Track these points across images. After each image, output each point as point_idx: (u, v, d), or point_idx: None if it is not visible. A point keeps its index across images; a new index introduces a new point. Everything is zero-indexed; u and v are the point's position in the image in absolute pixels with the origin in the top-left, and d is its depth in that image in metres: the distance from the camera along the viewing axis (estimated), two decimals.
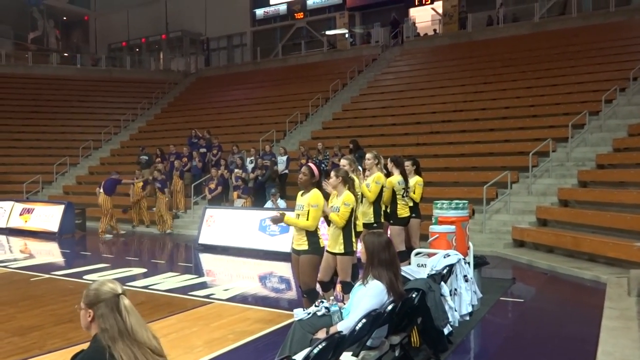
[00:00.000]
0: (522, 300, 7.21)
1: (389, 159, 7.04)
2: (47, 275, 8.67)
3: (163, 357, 2.14)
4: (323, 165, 12.77)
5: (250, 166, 14.79)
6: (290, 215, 5.29)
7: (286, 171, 14.57)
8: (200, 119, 21.64)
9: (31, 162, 20.51)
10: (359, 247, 5.31)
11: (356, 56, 23.25)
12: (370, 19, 26.55)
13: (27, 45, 31.05)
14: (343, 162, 6.24)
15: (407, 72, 20.62)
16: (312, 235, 5.13)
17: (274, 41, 29.09)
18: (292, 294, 7.69)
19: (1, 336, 5.39)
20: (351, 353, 3.42)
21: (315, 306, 3.86)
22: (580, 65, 16.29)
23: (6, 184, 19.09)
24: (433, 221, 6.26)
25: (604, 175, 11.36)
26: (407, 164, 7.20)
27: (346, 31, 26.23)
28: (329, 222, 5.32)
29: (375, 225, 6.25)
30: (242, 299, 7.10)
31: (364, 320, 3.35)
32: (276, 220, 5.22)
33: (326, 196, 5.38)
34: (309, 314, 3.78)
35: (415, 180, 7.21)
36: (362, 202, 6.24)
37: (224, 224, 11.83)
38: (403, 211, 6.85)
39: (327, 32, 26.63)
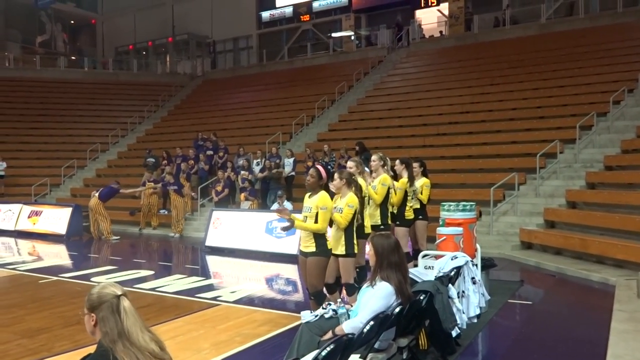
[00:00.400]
0: (530, 303, 7.17)
1: (397, 161, 7.06)
2: (55, 278, 8.70)
3: None
4: (329, 167, 12.77)
5: (257, 168, 14.81)
6: (297, 217, 5.29)
7: (293, 173, 14.58)
8: (206, 121, 21.71)
9: (39, 165, 20.62)
10: (367, 249, 5.30)
11: (362, 58, 23.24)
12: (376, 20, 26.55)
13: (35, 49, 31.25)
14: (350, 164, 6.24)
15: (413, 73, 20.59)
16: (320, 237, 5.13)
17: (280, 44, 29.13)
18: (299, 296, 7.69)
19: (10, 338, 5.42)
20: (359, 355, 3.41)
21: (323, 308, 3.85)
22: (587, 66, 16.20)
23: (15, 187, 19.22)
24: (440, 223, 6.24)
25: (612, 177, 11.29)
26: (415, 165, 7.23)
27: (352, 33, 26.24)
28: (331, 223, 5.33)
29: (382, 227, 6.26)
30: (249, 301, 7.10)
31: (371, 323, 3.33)
32: (286, 228, 5.24)
33: (331, 197, 5.40)
34: (316, 316, 3.78)
35: (422, 182, 7.24)
36: (369, 204, 6.24)
37: (231, 226, 11.85)
38: (409, 213, 6.95)
39: (333, 35, 26.65)
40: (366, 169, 6.67)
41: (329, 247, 5.22)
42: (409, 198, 6.87)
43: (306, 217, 5.16)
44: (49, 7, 30.10)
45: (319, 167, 5.36)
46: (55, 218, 14.56)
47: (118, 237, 13.84)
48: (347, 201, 5.21)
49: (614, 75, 14.95)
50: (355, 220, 5.34)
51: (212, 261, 11.00)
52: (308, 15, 28.55)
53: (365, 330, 3.28)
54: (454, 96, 16.97)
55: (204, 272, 10.04)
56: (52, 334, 5.56)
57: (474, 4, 23.59)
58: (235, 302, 6.98)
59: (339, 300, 4.94)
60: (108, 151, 22.17)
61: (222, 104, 23.63)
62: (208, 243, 11.93)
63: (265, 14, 29.90)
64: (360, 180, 5.92)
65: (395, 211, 6.78)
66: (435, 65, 20.63)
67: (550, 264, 9.08)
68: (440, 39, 23.09)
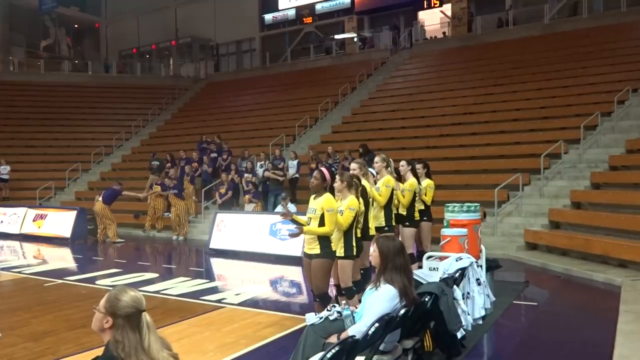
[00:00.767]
0: (535, 304, 7.15)
1: (402, 162, 7.08)
2: (60, 281, 8.71)
3: None
4: (333, 169, 12.75)
5: (260, 170, 14.81)
6: (302, 218, 5.29)
7: (297, 175, 14.58)
8: (210, 124, 21.75)
9: (44, 169, 20.67)
10: (371, 251, 5.30)
11: (365, 60, 23.23)
12: (379, 22, 26.54)
13: (39, 53, 31.37)
14: (353, 165, 6.24)
15: (416, 75, 20.58)
16: (324, 239, 5.12)
17: (283, 46, 29.16)
18: (304, 298, 7.68)
19: (16, 341, 5.43)
20: (364, 358, 3.40)
21: (328, 310, 3.85)
22: (591, 66, 16.16)
23: (19, 191, 19.30)
24: (445, 224, 6.24)
25: (617, 177, 11.25)
26: (418, 167, 7.24)
27: (355, 35, 26.25)
28: None
29: (386, 228, 6.26)
30: (253, 303, 7.10)
31: (376, 325, 3.33)
32: (295, 235, 5.24)
33: None
34: (321, 318, 3.77)
35: (426, 183, 7.25)
36: (373, 205, 6.23)
37: (235, 228, 11.85)
38: (416, 214, 7.01)
39: (336, 37, 26.67)
40: (370, 170, 6.67)
41: (334, 249, 5.22)
42: (416, 199, 6.90)
43: (310, 218, 5.16)
44: (53, 12, 30.20)
45: (323, 169, 5.35)
46: (60, 221, 14.60)
47: (122, 240, 13.86)
48: (349, 204, 5.23)
49: (618, 75, 14.90)
50: (355, 223, 5.34)
51: (216, 263, 11.01)
52: (311, 18, 28.58)
53: (370, 332, 3.27)
54: (458, 97, 16.96)
55: (209, 275, 10.05)
56: (57, 337, 5.57)
57: (476, 4, 23.56)
58: (240, 304, 6.99)
59: (344, 302, 4.95)
60: (112, 154, 22.23)
61: (226, 106, 23.68)
62: (212, 245, 11.94)
63: (268, 17, 29.95)
64: (364, 182, 5.92)
65: (401, 212, 6.80)
66: (438, 66, 20.61)
67: (556, 264, 9.05)
68: (443, 40, 23.06)
